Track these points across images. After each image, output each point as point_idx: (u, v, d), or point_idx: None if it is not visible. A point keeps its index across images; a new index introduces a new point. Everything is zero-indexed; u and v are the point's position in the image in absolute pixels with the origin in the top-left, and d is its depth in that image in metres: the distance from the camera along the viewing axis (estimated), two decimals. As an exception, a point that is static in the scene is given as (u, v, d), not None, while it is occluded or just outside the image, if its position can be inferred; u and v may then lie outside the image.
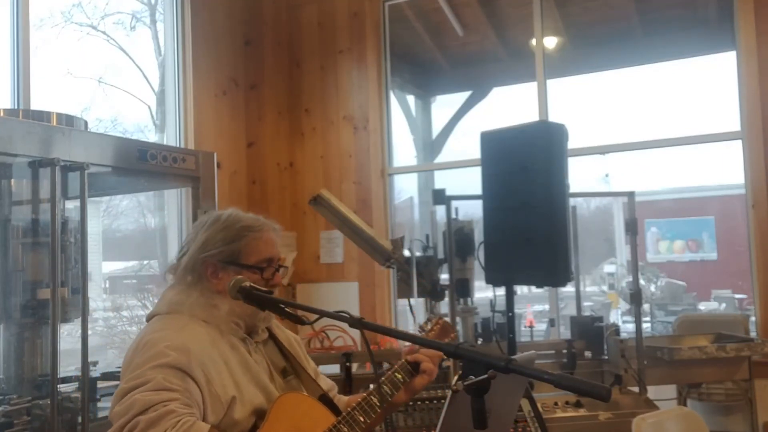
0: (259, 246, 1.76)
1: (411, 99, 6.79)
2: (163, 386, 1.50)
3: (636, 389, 3.23)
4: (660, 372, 3.33)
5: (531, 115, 4.81)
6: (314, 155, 5.36)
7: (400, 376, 1.80)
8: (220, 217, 1.79)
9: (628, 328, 4.83)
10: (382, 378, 1.79)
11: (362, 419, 1.68)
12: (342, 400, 1.94)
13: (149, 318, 1.77)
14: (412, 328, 3.41)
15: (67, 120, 2.59)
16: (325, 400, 1.80)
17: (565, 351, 3.45)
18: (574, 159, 3.92)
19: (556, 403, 2.99)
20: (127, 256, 5.65)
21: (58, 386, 2.27)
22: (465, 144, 6.98)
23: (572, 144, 3.10)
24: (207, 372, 1.58)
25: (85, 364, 2.36)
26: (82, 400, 2.33)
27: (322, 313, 1.59)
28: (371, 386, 1.84)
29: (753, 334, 4.06)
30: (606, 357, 3.44)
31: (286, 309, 1.64)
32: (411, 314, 3.53)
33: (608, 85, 8.61)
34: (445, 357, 1.26)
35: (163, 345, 1.58)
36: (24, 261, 2.40)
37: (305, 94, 5.42)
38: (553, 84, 4.90)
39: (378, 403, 1.71)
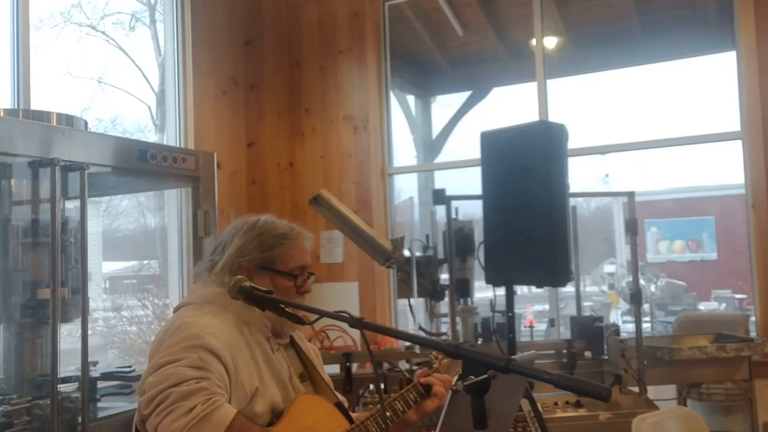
0: (294, 254, 1.83)
1: (411, 99, 6.79)
2: (197, 365, 1.54)
3: (636, 389, 3.23)
4: (660, 372, 3.33)
5: (531, 115, 4.81)
6: (314, 155, 5.36)
7: (412, 396, 1.86)
8: (257, 223, 1.85)
9: (628, 328, 4.82)
10: (395, 395, 1.85)
11: (374, 430, 1.73)
12: (354, 414, 1.98)
13: (177, 308, 1.81)
14: (412, 328, 3.41)
15: (67, 120, 2.59)
16: (341, 408, 1.84)
17: (565, 351, 3.45)
18: (574, 159, 3.92)
19: (556, 403, 2.99)
20: (127, 256, 5.65)
21: (58, 386, 2.27)
22: (465, 144, 6.98)
23: (572, 144, 3.10)
24: (235, 360, 1.63)
25: (85, 364, 2.36)
26: (82, 400, 2.33)
27: (322, 313, 1.59)
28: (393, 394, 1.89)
29: (753, 334, 4.06)
30: (606, 357, 3.44)
31: (286, 309, 1.64)
32: (411, 314, 3.53)
33: (608, 85, 8.62)
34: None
35: (197, 328, 1.62)
36: (24, 261, 2.40)
37: (305, 94, 5.42)
38: (553, 84, 4.90)
39: (390, 419, 1.78)
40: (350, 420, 1.80)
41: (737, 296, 9.27)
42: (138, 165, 2.67)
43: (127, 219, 5.36)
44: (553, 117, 4.73)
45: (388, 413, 1.79)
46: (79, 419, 2.32)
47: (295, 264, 1.83)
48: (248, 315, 1.74)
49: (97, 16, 4.64)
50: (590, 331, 3.49)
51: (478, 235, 3.25)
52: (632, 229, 3.35)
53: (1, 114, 2.56)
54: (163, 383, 1.52)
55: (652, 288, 10.54)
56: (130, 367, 2.77)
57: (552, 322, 4.79)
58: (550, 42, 5.54)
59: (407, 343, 3.13)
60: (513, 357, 1.31)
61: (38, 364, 2.42)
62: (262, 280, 1.77)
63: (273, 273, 1.80)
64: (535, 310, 8.91)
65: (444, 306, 3.45)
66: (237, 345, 1.67)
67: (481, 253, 3.19)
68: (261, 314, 1.72)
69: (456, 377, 2.01)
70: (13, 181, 2.48)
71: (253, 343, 1.72)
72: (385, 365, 3.22)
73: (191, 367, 1.54)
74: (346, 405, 1.99)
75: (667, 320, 8.66)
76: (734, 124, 4.33)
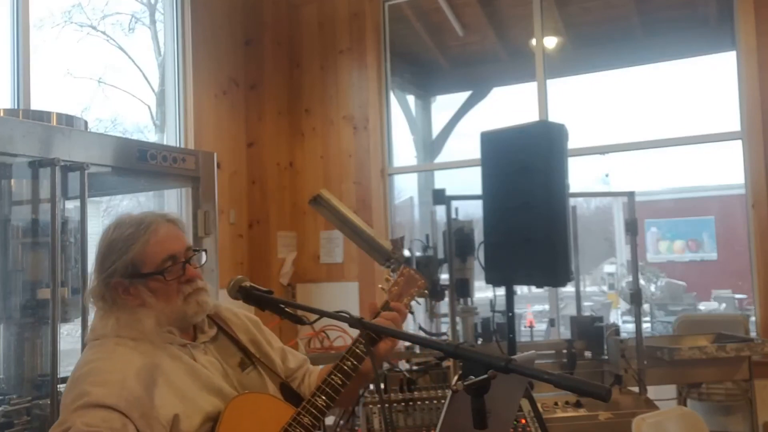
0: (151, 249, 1.61)
1: (411, 99, 6.78)
2: (84, 431, 1.42)
3: (636, 389, 3.22)
4: (660, 372, 3.33)
5: (531, 115, 4.82)
6: (314, 155, 5.36)
7: (361, 349, 1.69)
8: (108, 229, 1.66)
9: (628, 328, 4.82)
10: (344, 353, 1.69)
11: (324, 403, 1.60)
12: (314, 374, 1.87)
13: (83, 346, 1.69)
14: (411, 328, 3.40)
15: (67, 120, 2.59)
16: (286, 389, 1.73)
17: (565, 351, 3.45)
18: (574, 159, 3.92)
19: (556, 403, 2.99)
20: (127, 256, 5.64)
21: (58, 386, 2.27)
22: (465, 144, 6.97)
23: (572, 144, 3.10)
24: (139, 399, 1.49)
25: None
26: (82, 400, 2.33)
27: (322, 313, 1.59)
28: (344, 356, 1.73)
29: (753, 334, 4.06)
30: (606, 357, 3.44)
31: (286, 309, 1.64)
32: (411, 314, 3.52)
33: (608, 85, 8.61)
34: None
35: (87, 383, 1.50)
36: (24, 261, 2.40)
37: (305, 94, 5.42)
38: (553, 84, 4.90)
39: (339, 383, 1.64)
40: (295, 399, 1.69)
41: (737, 296, 9.26)
42: (138, 165, 2.67)
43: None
44: (553, 117, 4.74)
45: (337, 378, 1.63)
46: (79, 419, 2.32)
47: (159, 258, 1.60)
48: (144, 334, 1.58)
49: (97, 16, 4.64)
50: (590, 331, 3.49)
51: (478, 235, 3.25)
52: (632, 229, 3.35)
53: (1, 114, 2.56)
54: None
55: (652, 288, 10.54)
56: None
57: (552, 322, 4.79)
58: (550, 42, 5.54)
59: (407, 343, 3.13)
60: (513, 357, 1.31)
61: (38, 364, 2.42)
62: (138, 290, 1.59)
63: (144, 278, 1.59)
64: (535, 310, 8.91)
65: (444, 306, 3.45)
66: (141, 379, 1.51)
67: (481, 253, 3.19)
68: (157, 326, 1.59)
69: (412, 298, 1.86)
70: (13, 181, 2.48)
71: (166, 362, 1.57)
72: (385, 365, 3.22)
73: None
74: (306, 365, 1.88)
75: (667, 320, 8.65)
76: (734, 124, 4.34)
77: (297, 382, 1.86)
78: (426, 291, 1.95)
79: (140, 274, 1.60)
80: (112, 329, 1.60)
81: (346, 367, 1.67)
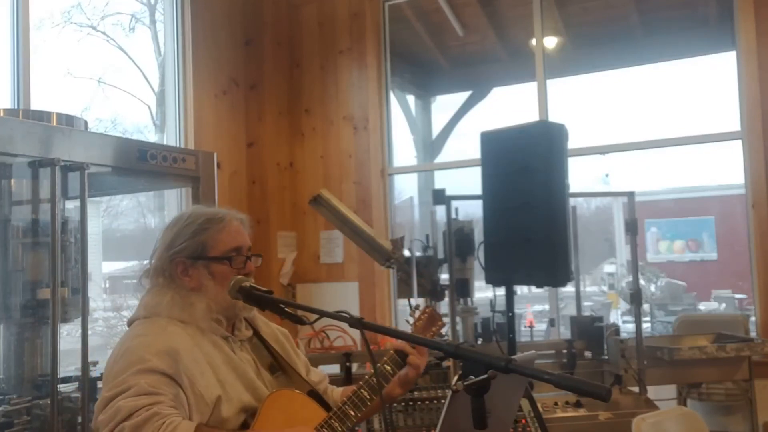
0: (223, 236, 1.74)
1: (411, 99, 6.78)
2: (146, 391, 1.49)
3: (636, 389, 3.22)
4: (660, 372, 3.33)
5: (531, 115, 4.81)
6: (314, 155, 5.36)
7: (389, 368, 1.82)
8: (183, 215, 1.81)
9: (628, 328, 4.83)
10: (372, 373, 1.78)
11: (353, 413, 1.69)
12: (335, 392, 1.95)
13: (130, 323, 1.76)
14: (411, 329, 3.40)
15: (67, 120, 2.59)
16: (315, 395, 1.79)
17: (565, 351, 3.45)
18: (574, 159, 3.92)
19: (556, 403, 2.99)
20: (127, 256, 5.65)
21: (58, 386, 2.27)
22: (465, 144, 6.97)
23: (572, 144, 3.10)
24: (189, 373, 1.57)
25: (85, 364, 2.36)
26: (82, 400, 2.33)
27: (322, 313, 1.59)
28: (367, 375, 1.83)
29: (753, 334, 4.06)
30: (606, 357, 3.44)
31: (286, 309, 1.64)
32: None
33: (608, 85, 8.62)
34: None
35: (142, 351, 1.57)
36: (24, 261, 2.40)
37: (305, 94, 5.42)
38: (553, 84, 4.90)
39: (368, 397, 1.72)
40: (325, 406, 1.76)
41: (737, 296, 9.27)
42: (138, 165, 2.67)
43: (127, 219, 5.36)
44: (553, 117, 4.73)
45: (365, 392, 1.73)
46: (79, 419, 2.32)
47: (228, 246, 1.74)
48: (194, 317, 1.68)
49: (97, 17, 4.64)
50: (590, 331, 3.49)
51: (478, 235, 3.25)
52: (632, 229, 3.35)
53: (1, 114, 2.56)
54: (114, 419, 1.48)
55: (652, 288, 10.54)
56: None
57: (552, 322, 4.79)
58: (550, 42, 5.54)
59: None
60: (513, 357, 1.31)
61: (38, 364, 2.42)
62: (199, 273, 1.71)
63: (207, 261, 1.72)
64: (535, 310, 8.91)
65: (444, 306, 3.45)
66: (190, 356, 1.60)
67: (481, 253, 3.19)
68: (207, 312, 1.68)
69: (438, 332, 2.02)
70: (13, 181, 2.48)
71: (209, 348, 1.66)
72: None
73: (139, 395, 1.49)
74: (326, 382, 1.97)
75: (667, 320, 8.66)
76: (734, 124, 4.33)
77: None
78: (443, 333, 2.13)
79: (206, 257, 1.72)
80: (166, 307, 1.69)
81: (373, 384, 1.75)
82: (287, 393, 1.72)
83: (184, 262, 1.72)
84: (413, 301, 3.39)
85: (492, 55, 6.74)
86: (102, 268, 4.95)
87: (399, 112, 6.18)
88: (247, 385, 1.67)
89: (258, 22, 5.31)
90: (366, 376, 1.79)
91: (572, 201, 3.21)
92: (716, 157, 7.47)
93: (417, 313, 2.03)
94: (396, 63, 5.51)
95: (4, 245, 2.40)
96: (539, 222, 2.88)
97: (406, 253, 3.47)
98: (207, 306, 1.69)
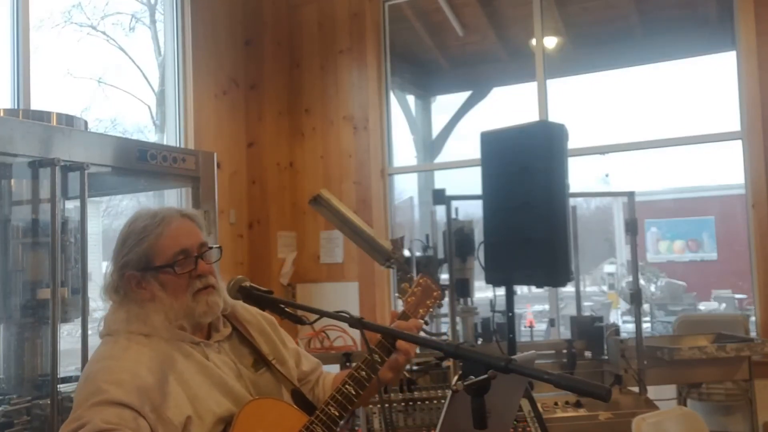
0: (163, 242, 1.61)
1: (411, 99, 6.79)
2: (99, 428, 1.42)
3: (636, 389, 3.22)
4: (660, 372, 3.33)
5: (531, 115, 4.81)
6: (314, 155, 5.36)
7: (378, 357, 1.70)
8: (125, 225, 1.68)
9: (628, 328, 4.83)
10: (359, 363, 1.69)
11: (337, 413, 1.60)
12: (327, 379, 1.88)
13: (101, 336, 1.69)
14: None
15: (67, 120, 2.59)
16: (298, 395, 1.72)
17: (565, 351, 3.45)
18: (574, 159, 3.92)
19: (556, 403, 2.99)
20: (127, 256, 5.64)
21: (58, 386, 2.27)
22: (465, 144, 6.98)
23: (572, 144, 3.10)
24: (152, 398, 1.49)
25: (85, 364, 2.36)
26: (82, 400, 2.33)
27: (322, 313, 1.59)
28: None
29: (753, 334, 4.06)
30: (606, 357, 3.44)
31: (286, 309, 1.64)
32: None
33: (608, 85, 8.63)
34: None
35: (102, 379, 1.50)
36: (24, 261, 2.40)
37: (305, 94, 5.42)
38: (553, 84, 4.90)
39: (353, 393, 1.63)
40: (307, 406, 1.68)
41: (737, 296, 9.27)
42: (138, 165, 2.67)
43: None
44: (553, 117, 4.73)
45: (351, 387, 1.62)
46: (79, 419, 2.32)
47: (172, 251, 1.60)
48: (156, 329, 1.59)
49: (97, 17, 4.64)
50: (590, 331, 3.49)
51: (478, 235, 3.25)
52: (632, 229, 3.35)
53: (1, 114, 2.56)
54: None
55: (652, 288, 10.55)
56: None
57: (552, 322, 4.79)
58: (550, 42, 5.54)
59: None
60: (513, 357, 1.31)
61: (38, 364, 2.42)
62: (150, 284, 1.60)
63: (155, 272, 1.60)
64: (535, 310, 8.91)
65: (444, 306, 3.45)
66: (154, 378, 1.51)
67: (481, 253, 3.19)
68: (166, 321, 1.59)
69: (432, 307, 1.87)
70: (13, 181, 2.48)
71: (180, 360, 1.57)
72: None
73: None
74: (320, 370, 1.88)
75: (667, 320, 8.66)
76: (734, 124, 4.33)
77: (310, 385, 1.86)
78: (441, 302, 1.96)
79: (152, 267, 1.60)
80: (123, 323, 1.61)
81: (360, 377, 1.66)
82: (263, 403, 1.61)
83: (135, 275, 1.61)
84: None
85: (492, 55, 6.75)
86: (102, 268, 4.95)
87: (399, 112, 6.19)
88: (225, 392, 1.59)
89: (258, 22, 5.31)
90: (351, 369, 1.69)
91: (572, 201, 3.21)
92: (716, 157, 7.48)
93: (410, 288, 1.87)
94: (396, 63, 5.51)
95: (4, 245, 2.40)
96: (539, 222, 2.88)
97: (406, 253, 3.47)
98: (165, 316, 1.59)
